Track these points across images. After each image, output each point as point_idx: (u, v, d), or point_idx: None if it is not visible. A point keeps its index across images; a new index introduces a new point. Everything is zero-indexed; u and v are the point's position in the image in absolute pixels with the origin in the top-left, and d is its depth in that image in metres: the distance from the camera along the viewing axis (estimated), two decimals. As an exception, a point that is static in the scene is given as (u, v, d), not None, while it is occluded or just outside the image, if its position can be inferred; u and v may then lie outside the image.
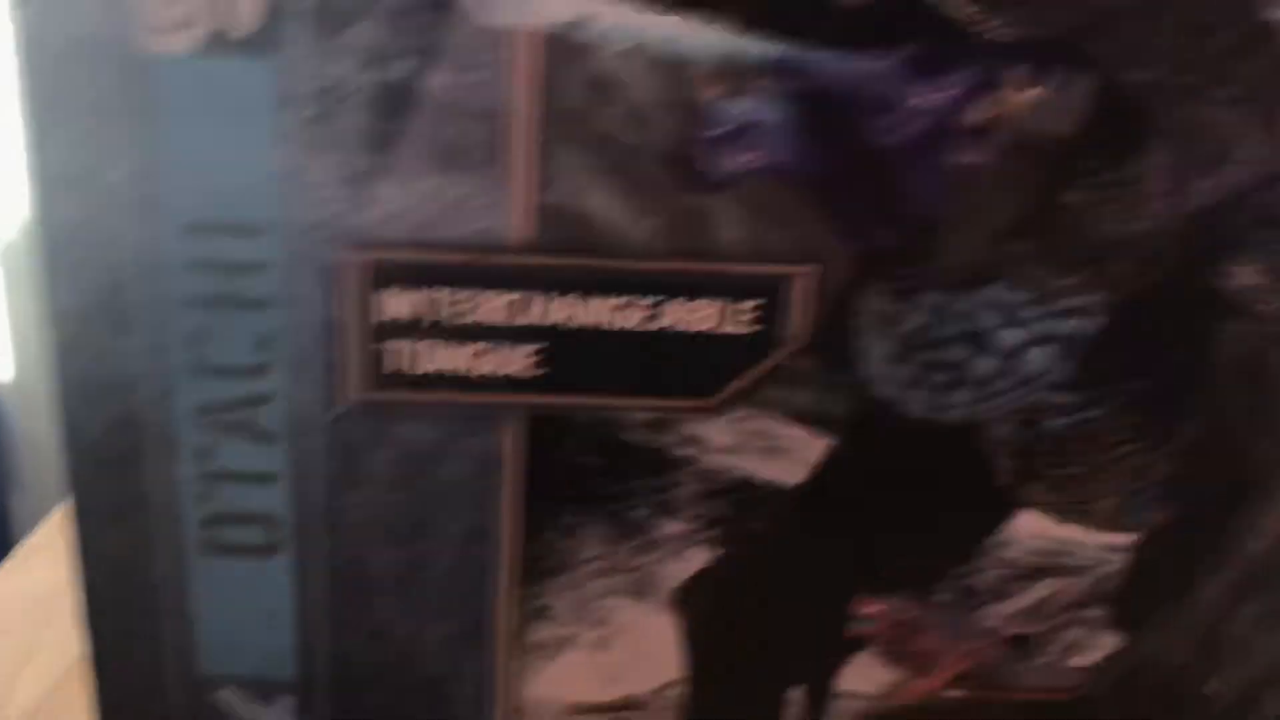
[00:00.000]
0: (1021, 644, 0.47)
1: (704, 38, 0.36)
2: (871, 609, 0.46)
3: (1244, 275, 0.41)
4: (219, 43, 0.36)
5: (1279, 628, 0.47)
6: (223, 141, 0.37)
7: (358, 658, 0.45)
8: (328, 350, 0.40)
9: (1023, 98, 0.37)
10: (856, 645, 0.47)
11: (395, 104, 0.37)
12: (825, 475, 0.43)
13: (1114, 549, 0.45)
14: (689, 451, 0.43)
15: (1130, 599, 0.46)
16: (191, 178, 0.37)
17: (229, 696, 0.45)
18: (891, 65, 0.37)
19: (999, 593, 0.46)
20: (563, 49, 0.36)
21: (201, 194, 0.38)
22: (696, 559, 0.44)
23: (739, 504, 0.44)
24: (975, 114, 0.37)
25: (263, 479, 0.42)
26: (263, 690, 0.45)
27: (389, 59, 0.36)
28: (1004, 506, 0.44)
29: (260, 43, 0.36)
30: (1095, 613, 0.47)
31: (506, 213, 0.38)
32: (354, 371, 0.40)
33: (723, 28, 0.36)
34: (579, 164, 0.38)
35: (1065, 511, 0.45)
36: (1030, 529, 0.45)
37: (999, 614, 0.46)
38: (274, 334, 0.40)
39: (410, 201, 0.38)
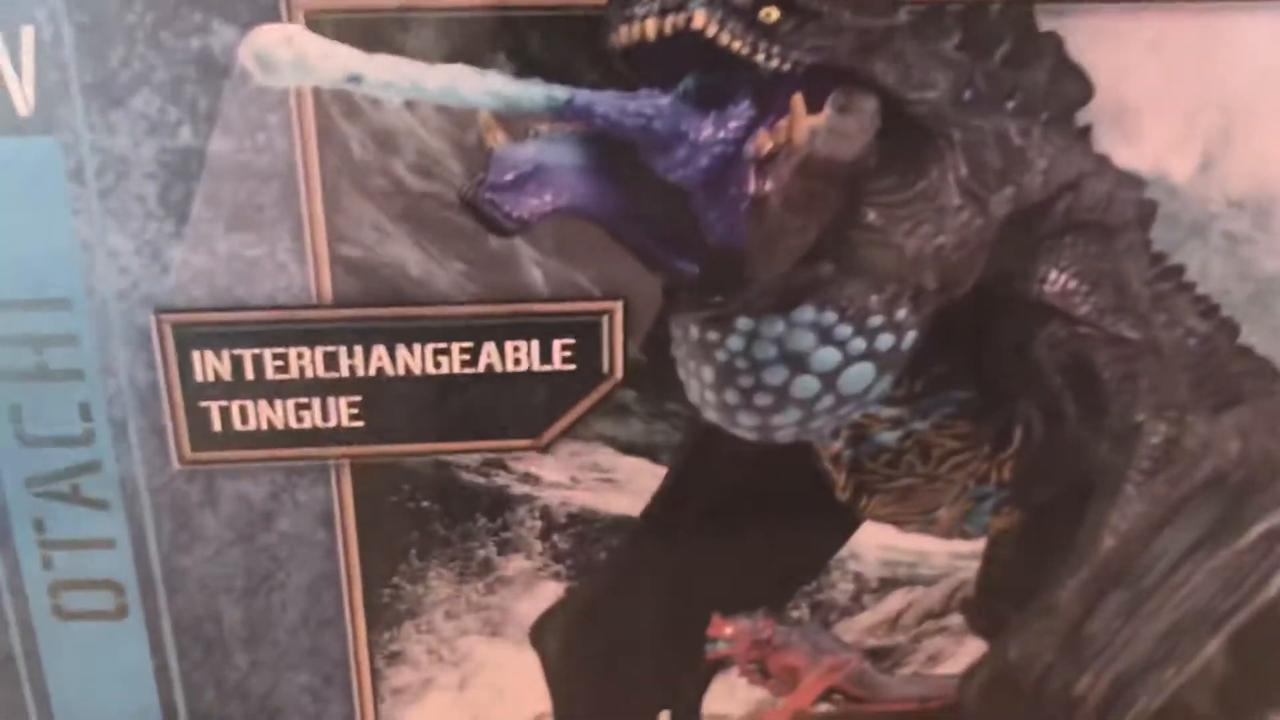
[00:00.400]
0: (884, 656, 0.47)
1: (483, 84, 0.36)
2: (728, 630, 0.46)
3: (1057, 280, 0.41)
4: (1, 123, 0.36)
5: (1140, 623, 0.48)
6: (19, 218, 0.38)
7: (218, 714, 0.45)
8: (149, 415, 0.40)
9: (806, 125, 0.37)
10: (718, 667, 0.47)
11: (182, 170, 0.37)
12: (664, 502, 0.44)
13: (965, 556, 0.46)
14: (526, 489, 0.43)
15: (987, 605, 0.47)
16: (-8, 256, 0.38)
17: (94, 759, 0.46)
18: (671, 101, 0.37)
19: (853, 606, 0.46)
20: (341, 104, 0.37)
21: (4, 270, 0.38)
22: (547, 593, 0.45)
23: (582, 537, 0.44)
24: (760, 144, 0.38)
25: (101, 545, 0.42)
26: (128, 752, 0.46)
27: (170, 127, 0.37)
28: (847, 521, 0.45)
29: (41, 120, 0.36)
30: (955, 620, 0.47)
31: (305, 269, 0.39)
32: (179, 434, 0.41)
33: (500, 73, 0.37)
34: (372, 216, 0.38)
35: (908, 522, 0.45)
36: (877, 541, 0.45)
37: (857, 627, 0.47)
38: (93, 403, 0.40)
39: (209, 264, 0.38)
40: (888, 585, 0.46)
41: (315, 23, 0.36)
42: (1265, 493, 0.46)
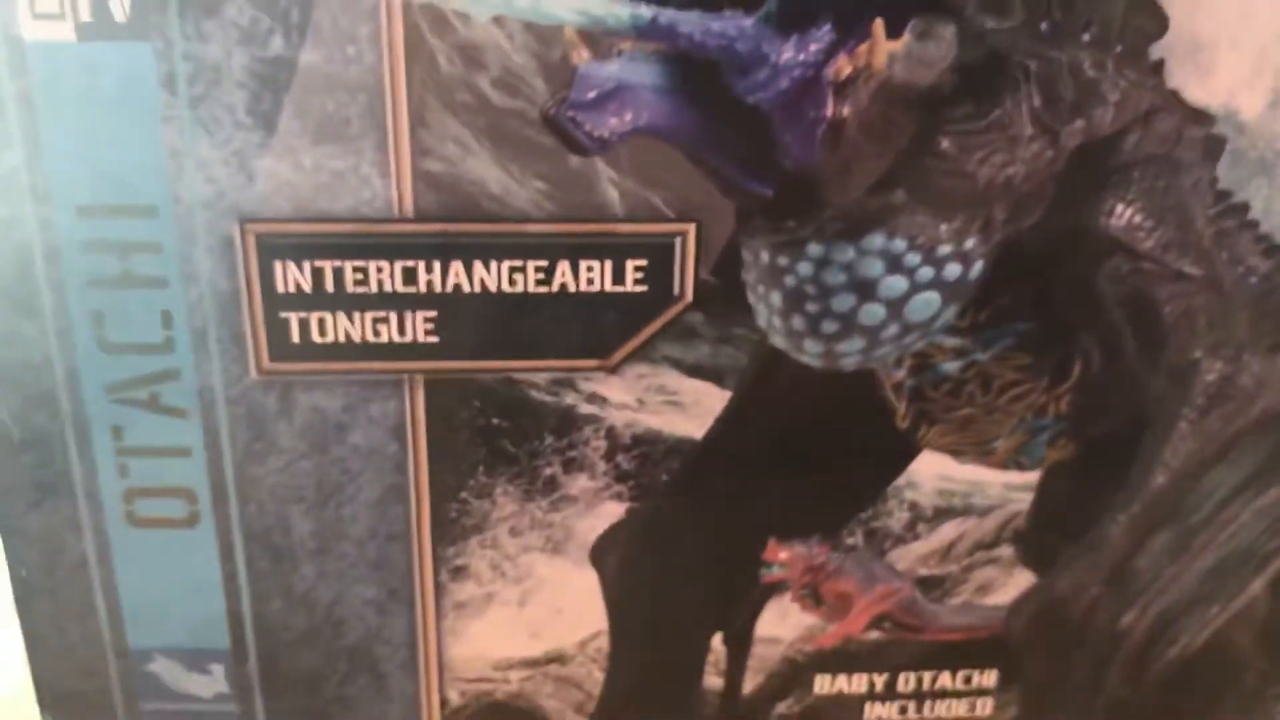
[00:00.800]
0: (935, 585, 0.48)
1: (569, 2, 0.37)
2: (783, 554, 0.47)
3: (1123, 214, 0.42)
4: (97, 28, 0.37)
5: (1186, 560, 0.48)
6: (109, 124, 0.38)
7: (284, 624, 0.46)
8: (229, 324, 0.41)
9: (885, 50, 0.38)
10: (772, 591, 0.48)
11: (272, 80, 0.38)
12: (728, 426, 0.44)
13: (1018, 488, 0.46)
14: (593, 409, 0.44)
15: (1038, 537, 0.47)
16: (81, 161, 0.39)
17: (163, 667, 0.47)
18: (754, 23, 0.38)
19: (907, 535, 0.47)
20: (430, 19, 0.37)
21: (92, 177, 0.39)
22: (609, 513, 0.46)
23: (646, 458, 0.45)
24: (840, 68, 0.38)
25: (177, 453, 0.43)
26: (195, 659, 0.47)
27: (263, 36, 0.37)
28: (905, 450, 0.45)
29: (137, 26, 0.37)
30: (1005, 552, 0.48)
31: (389, 183, 0.39)
32: (258, 344, 0.42)
33: (587, -8, 0.37)
34: (456, 132, 0.39)
35: (965, 452, 0.46)
36: (934, 471, 0.46)
37: (910, 556, 0.47)
38: (175, 311, 0.41)
39: (295, 175, 0.39)
40: (942, 515, 0.46)
41: (408, -63, 0.36)
42: (1315, 435, 0.47)
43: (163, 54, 0.38)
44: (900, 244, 0.41)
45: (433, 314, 0.41)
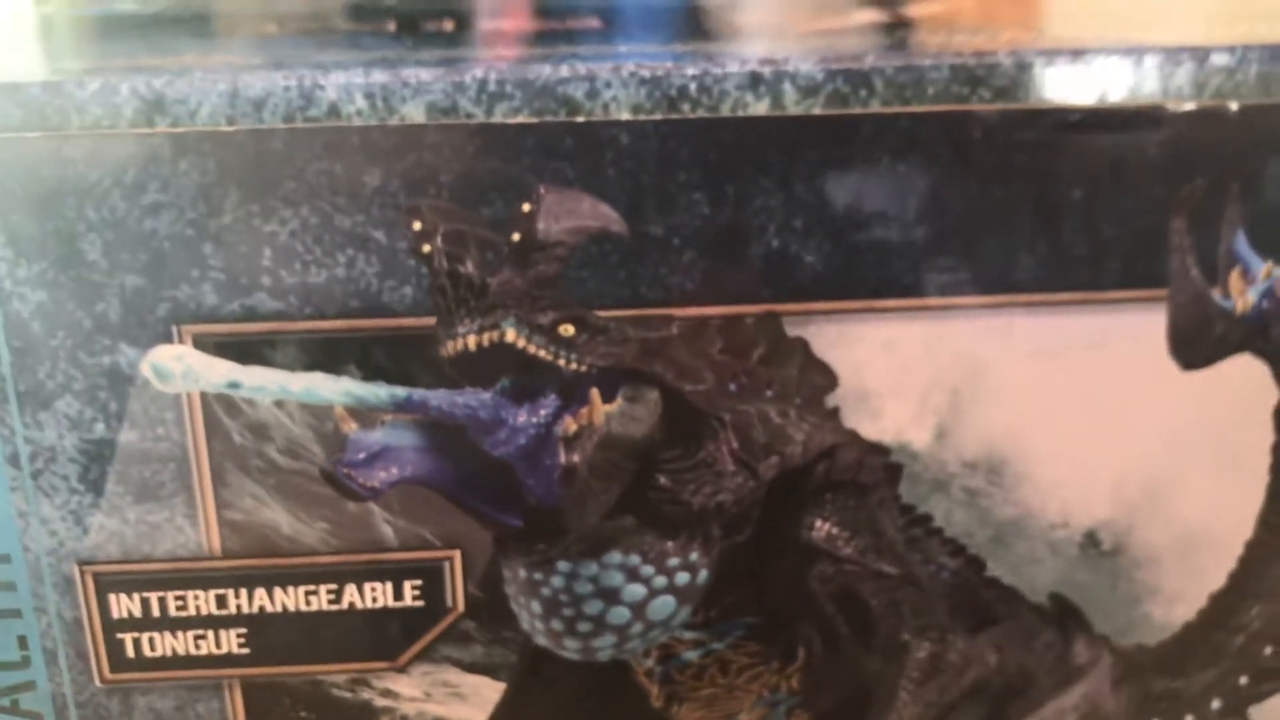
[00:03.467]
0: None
1: (338, 386, 0.46)
2: (566, 817, 0.54)
3: (821, 528, 0.50)
4: (-47, 423, 0.46)
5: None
6: (-33, 493, 0.47)
7: None
8: (75, 644, 0.50)
9: (601, 411, 0.46)
10: None
11: (97, 456, 0.47)
12: (505, 712, 0.52)
13: (767, 751, 0.54)
14: (387, 702, 0.52)
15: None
16: (-55, 523, 0.47)
17: None
18: (492, 395, 0.47)
19: (672, 797, 0.54)
20: (224, 405, 0.46)
21: (-45, 534, 0.48)
22: (409, 789, 0.53)
23: (437, 741, 0.53)
24: (567, 426, 0.47)
25: (36, 749, 0.51)
26: None
27: (88, 423, 0.46)
28: (663, 724, 0.53)
29: (-15, 420, 0.46)
30: (763, 809, 0.55)
31: (199, 530, 0.48)
32: (99, 659, 0.50)
33: (351, 378, 0.46)
34: (251, 489, 0.48)
35: (715, 723, 0.53)
36: (690, 741, 0.53)
37: (678, 816, 0.55)
38: (29, 635, 0.49)
39: (121, 527, 0.48)
40: (701, 778, 0.54)
41: (201, 343, 0.46)
42: (1024, 696, 0.55)
43: (7, 439, 0.46)
44: (635, 559, 0.49)
45: (243, 631, 0.50)
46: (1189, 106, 0.46)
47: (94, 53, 0.56)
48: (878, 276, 0.47)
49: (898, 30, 0.57)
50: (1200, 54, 0.46)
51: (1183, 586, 0.53)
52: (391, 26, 0.61)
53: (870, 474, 0.50)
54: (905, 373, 0.48)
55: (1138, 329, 0.48)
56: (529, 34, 0.60)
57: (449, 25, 0.61)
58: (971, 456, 0.50)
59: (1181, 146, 0.46)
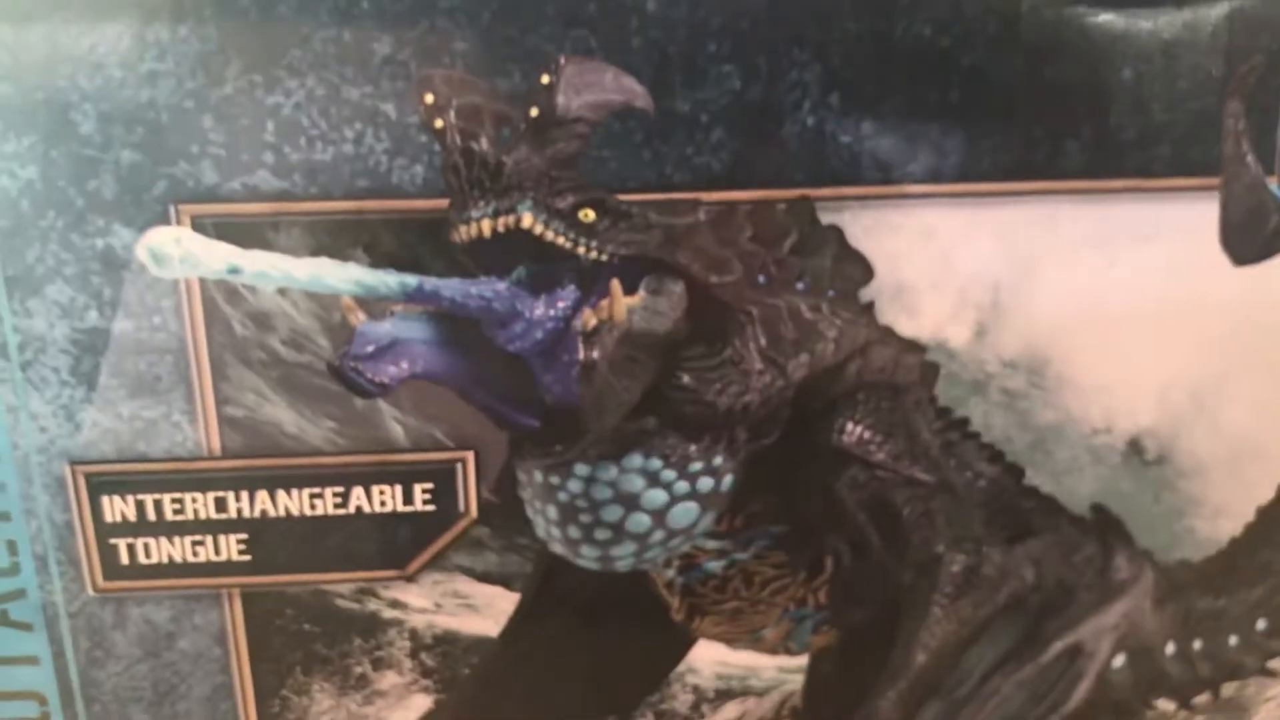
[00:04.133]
0: (725, 759, 0.53)
1: (344, 273, 0.43)
2: (582, 737, 0.52)
3: (853, 431, 0.48)
4: (-63, 309, 0.44)
5: (958, 730, 0.53)
6: (-48, 386, 0.45)
7: (129, 810, 0.52)
8: (66, 550, 0.47)
9: (623, 304, 0.44)
10: (576, 769, 0.53)
11: (90, 347, 0.44)
12: (518, 625, 0.50)
13: (791, 670, 0.52)
14: (396, 614, 0.50)
15: (814, 714, 0.52)
16: (-72, 418, 0.45)
17: None
18: (507, 286, 0.44)
19: (693, 715, 0.52)
20: (224, 291, 0.44)
21: (-61, 430, 0.45)
22: (418, 705, 0.51)
23: (447, 655, 0.50)
24: (586, 320, 0.44)
25: (27, 661, 0.49)
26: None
27: (80, 311, 0.44)
28: (683, 639, 0.51)
29: (-29, 306, 0.44)
30: (787, 728, 0.53)
31: (197, 427, 0.45)
32: (92, 566, 0.47)
33: (358, 264, 0.43)
34: (253, 383, 0.45)
35: (737, 640, 0.51)
36: (712, 657, 0.51)
37: (697, 734, 0.52)
38: (19, 540, 0.47)
39: (115, 424, 0.45)
40: (723, 696, 0.52)
41: (199, 224, 0.43)
42: (1061, 614, 0.52)
43: (-7, 327, 0.44)
44: (656, 462, 0.47)
45: (244, 536, 0.47)
46: (1249, -22, 0.43)
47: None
48: (917, 160, 0.44)
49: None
50: (1262, -77, 0.43)
51: (1229, 500, 0.51)
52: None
53: (905, 374, 0.48)
54: (944, 265, 0.46)
55: (1189, 220, 0.46)
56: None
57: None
58: (1012, 356, 0.48)
59: (1239, 23, 0.44)
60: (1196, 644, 0.54)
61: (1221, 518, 0.51)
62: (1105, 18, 0.43)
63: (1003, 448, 0.49)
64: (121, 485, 0.46)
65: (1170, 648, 0.54)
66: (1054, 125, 0.44)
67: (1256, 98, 0.45)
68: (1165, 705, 0.55)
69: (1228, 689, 0.55)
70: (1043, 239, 0.46)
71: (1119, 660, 0.54)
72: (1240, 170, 0.46)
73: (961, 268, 0.46)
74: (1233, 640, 0.55)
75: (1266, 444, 0.50)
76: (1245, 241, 0.47)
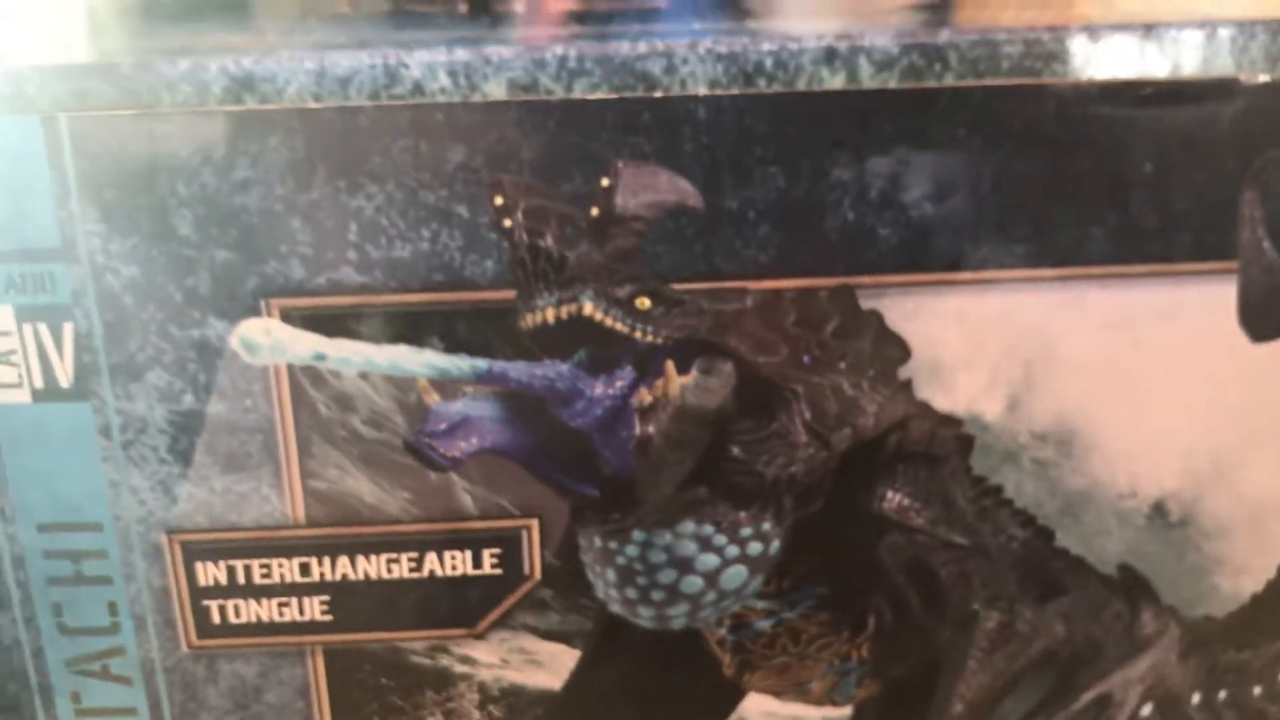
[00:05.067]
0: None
1: (420, 358, 0.47)
2: (639, 783, 0.55)
3: (893, 499, 0.51)
4: (47, 393, 0.47)
5: (993, 776, 0.56)
6: (61, 464, 0.48)
7: None
8: (163, 611, 0.51)
9: (677, 383, 0.47)
10: (634, 814, 0.56)
11: (186, 427, 0.48)
12: (581, 679, 0.53)
13: (837, 716, 0.55)
14: (465, 669, 0.53)
15: (858, 761, 0.55)
16: (40, 491, 0.49)
17: None
18: (569, 368, 0.47)
19: (744, 763, 0.55)
20: (310, 376, 0.48)
21: (49, 502, 0.49)
22: (486, 753, 0.54)
23: (513, 708, 0.54)
24: (642, 398, 0.47)
25: (125, 713, 0.53)
26: None
27: (177, 395, 0.48)
28: (734, 692, 0.54)
29: (78, 391, 0.47)
30: (832, 774, 0.56)
31: (284, 499, 0.49)
32: (186, 626, 0.51)
33: (433, 350, 0.47)
34: (336, 459, 0.49)
35: (785, 693, 0.54)
36: (761, 709, 0.54)
37: (747, 780, 0.56)
38: (119, 601, 0.51)
39: (209, 497, 0.49)
40: (772, 745, 0.55)
41: (288, 316, 0.47)
42: (1091, 666, 0.55)
43: (99, 410, 0.48)
44: (708, 529, 0.50)
45: (326, 598, 0.51)
46: (1263, 79, 0.46)
47: (150, 34, 0.57)
48: (951, 249, 0.47)
49: (937, 10, 0.57)
50: (1274, 26, 0.46)
51: (1250, 558, 0.54)
52: (463, 7, 0.61)
53: (942, 445, 0.51)
54: (977, 345, 0.49)
55: (1209, 301, 0.49)
56: (570, 13, 0.61)
57: (519, 5, 0.62)
58: (1042, 428, 0.51)
59: (1254, 119, 0.47)
60: (1221, 694, 0.57)
61: (1243, 575, 0.54)
62: (1126, 114, 0.46)
63: (1034, 512, 0.52)
64: (214, 552, 0.50)
65: (1196, 698, 0.57)
66: (1079, 214, 0.47)
67: (1271, 186, 0.48)
68: (1194, 751, 0.57)
69: (1254, 738, 0.58)
70: (1070, 320, 0.49)
71: (1146, 709, 0.56)
72: (1257, 254, 0.49)
73: (993, 347, 0.49)
74: (1256, 690, 0.57)
75: (1286, 506, 0.53)
76: (1262, 320, 0.50)
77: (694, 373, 0.47)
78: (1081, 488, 0.52)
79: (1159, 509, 0.52)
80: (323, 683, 0.52)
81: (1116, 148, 0.47)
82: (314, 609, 0.51)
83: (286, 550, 0.50)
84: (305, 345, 0.44)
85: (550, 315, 0.45)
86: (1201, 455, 0.51)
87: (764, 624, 0.53)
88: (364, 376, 0.47)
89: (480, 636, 0.52)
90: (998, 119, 0.46)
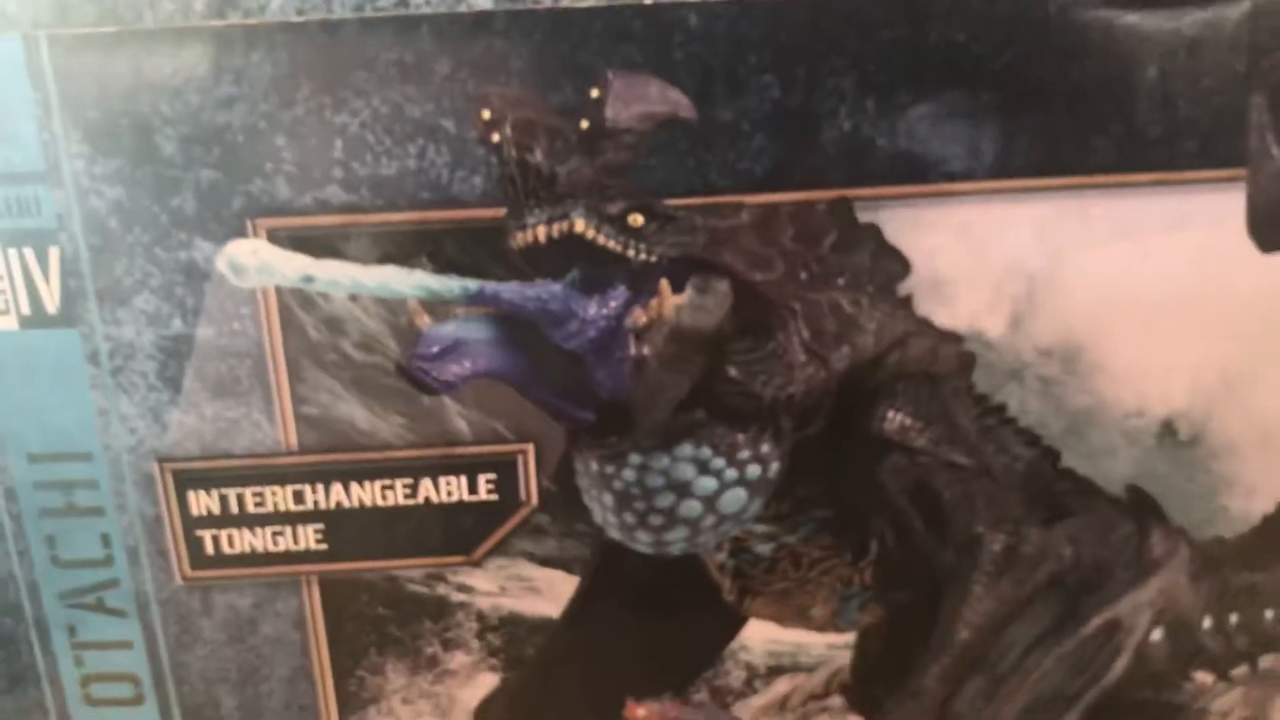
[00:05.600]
0: (778, 732, 0.56)
1: (410, 279, 0.46)
2: (640, 712, 0.55)
3: (894, 419, 0.50)
4: (34, 319, 0.47)
5: (1001, 703, 0.55)
6: (50, 392, 0.48)
7: (219, 785, 0.55)
8: (156, 542, 0.50)
9: (671, 303, 0.46)
10: (636, 742, 0.55)
11: (175, 352, 0.47)
12: (579, 606, 0.53)
13: (839, 646, 0.54)
14: (463, 597, 0.52)
15: (862, 688, 0.55)
16: (29, 420, 0.48)
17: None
18: (562, 288, 0.46)
19: (746, 690, 0.54)
20: (299, 299, 0.47)
21: (38, 432, 0.48)
22: (485, 683, 0.54)
23: (512, 635, 0.53)
24: (636, 318, 0.47)
25: (121, 645, 0.52)
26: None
27: (165, 319, 0.47)
28: (735, 618, 0.53)
29: (65, 317, 0.47)
30: (835, 702, 0.55)
31: (275, 425, 0.49)
32: (180, 557, 0.51)
33: (424, 270, 0.46)
34: (327, 384, 0.48)
35: (787, 619, 0.54)
36: (763, 635, 0.54)
37: (750, 708, 0.55)
38: (112, 533, 0.50)
39: (199, 424, 0.48)
40: (774, 671, 0.54)
41: (275, 237, 0.46)
42: (1099, 590, 0.54)
43: (87, 336, 0.47)
44: (706, 451, 0.49)
45: (320, 526, 0.50)
46: (1270, -23, 0.45)
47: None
48: (952, 159, 0.46)
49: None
50: (1282, -77, 0.45)
51: (1261, 478, 0.53)
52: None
53: (944, 363, 0.50)
54: (979, 259, 0.48)
55: (1216, 210, 0.48)
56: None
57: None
58: (1046, 344, 0.50)
59: (1262, 21, 0.45)
60: (1233, 618, 0.56)
61: (1254, 496, 0.53)
62: (1130, 19, 0.45)
63: (1039, 432, 0.51)
64: (206, 480, 0.49)
65: (1207, 622, 0.56)
66: (1083, 122, 0.46)
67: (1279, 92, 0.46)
68: (1203, 678, 0.56)
69: (1265, 660, 0.57)
70: (1074, 231, 0.48)
71: (1157, 634, 0.55)
72: (1264, 162, 0.48)
73: (996, 261, 0.48)
74: (1269, 614, 0.56)
75: (1297, 424, 0.52)
76: (1272, 230, 0.49)
77: (689, 292, 0.46)
78: (1088, 406, 0.51)
79: (1168, 428, 0.51)
80: (319, 614, 0.52)
81: (1120, 53, 0.45)
82: (308, 538, 0.50)
83: (279, 478, 0.49)
84: (293, 267, 0.44)
85: (541, 234, 0.44)
86: (1211, 372, 0.50)
87: (764, 548, 0.52)
88: (353, 299, 0.46)
89: (477, 564, 0.51)
90: (997, 24, 0.45)
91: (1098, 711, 0.56)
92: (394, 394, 0.48)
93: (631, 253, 0.45)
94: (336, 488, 0.49)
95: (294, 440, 0.49)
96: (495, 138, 0.45)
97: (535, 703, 0.54)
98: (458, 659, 0.53)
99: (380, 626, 0.52)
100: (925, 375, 0.50)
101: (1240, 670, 0.57)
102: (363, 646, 0.52)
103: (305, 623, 0.52)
